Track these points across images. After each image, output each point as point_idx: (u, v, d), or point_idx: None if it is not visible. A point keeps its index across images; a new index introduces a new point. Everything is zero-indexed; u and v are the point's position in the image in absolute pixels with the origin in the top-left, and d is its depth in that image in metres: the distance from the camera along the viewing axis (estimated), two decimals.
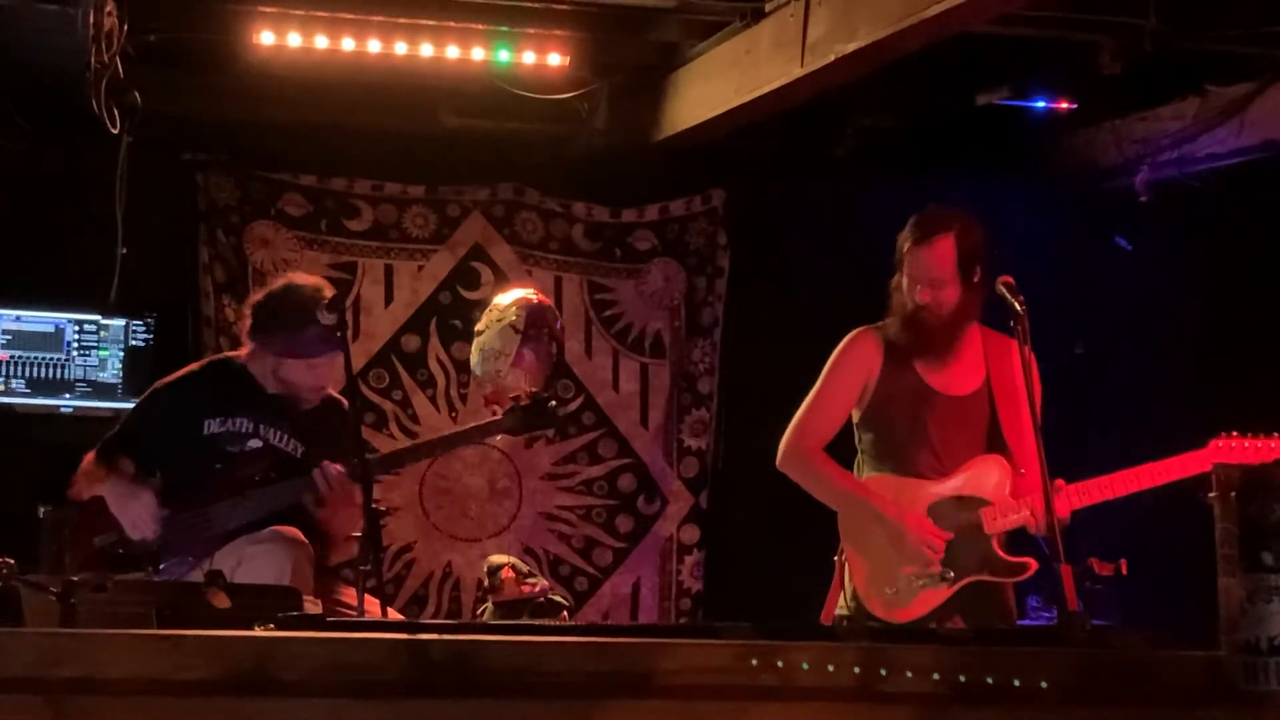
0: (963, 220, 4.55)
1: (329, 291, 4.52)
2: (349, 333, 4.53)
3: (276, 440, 4.60)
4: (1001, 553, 4.52)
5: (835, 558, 4.65)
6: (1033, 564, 4.51)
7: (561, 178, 7.16)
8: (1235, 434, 4.47)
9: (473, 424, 4.76)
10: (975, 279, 4.51)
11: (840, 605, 4.60)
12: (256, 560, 4.24)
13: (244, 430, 4.58)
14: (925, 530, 4.47)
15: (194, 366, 4.85)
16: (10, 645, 2.25)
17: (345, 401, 4.53)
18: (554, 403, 4.65)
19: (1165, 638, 2.78)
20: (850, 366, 4.65)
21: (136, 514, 4.44)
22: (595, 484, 7.14)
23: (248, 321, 4.69)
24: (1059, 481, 4.19)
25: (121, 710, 2.24)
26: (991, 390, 4.59)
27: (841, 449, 4.71)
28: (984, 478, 4.55)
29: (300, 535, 4.36)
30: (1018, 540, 4.57)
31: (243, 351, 4.72)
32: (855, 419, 4.69)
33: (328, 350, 4.51)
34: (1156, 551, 5.40)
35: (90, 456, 4.62)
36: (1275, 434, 4.47)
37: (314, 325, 4.41)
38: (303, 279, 4.71)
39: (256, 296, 4.78)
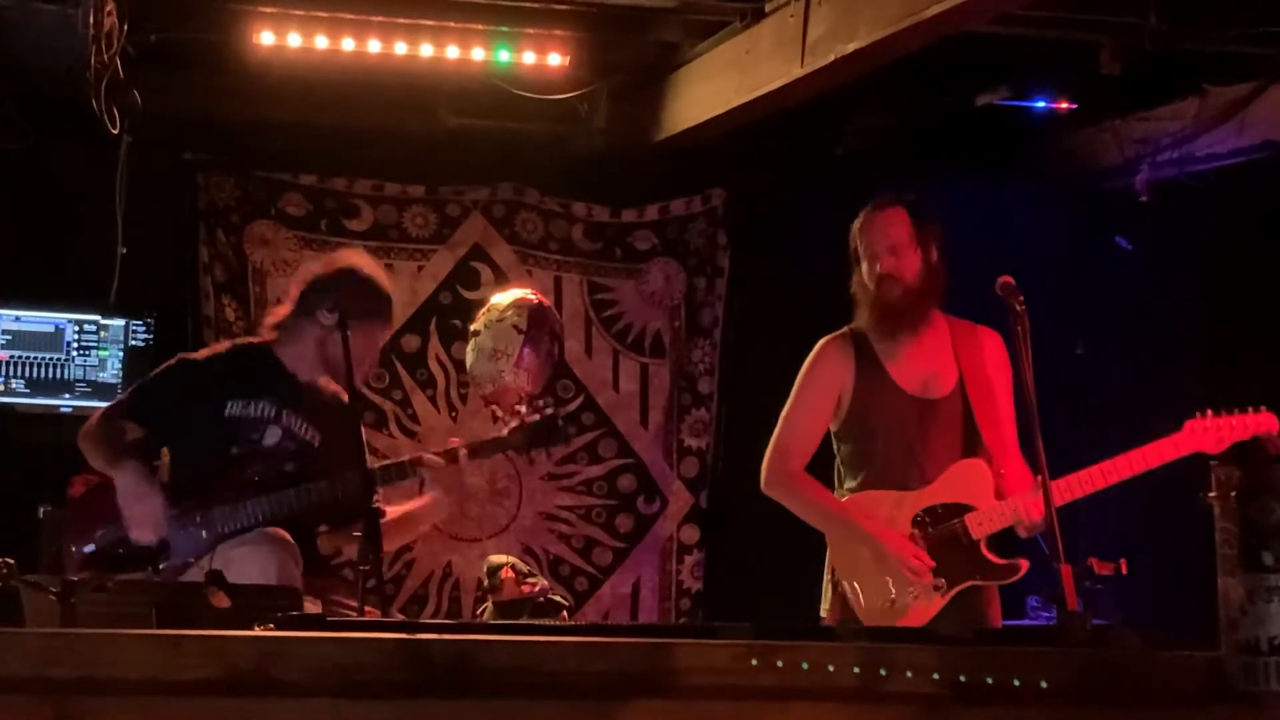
0: (913, 197, 4.58)
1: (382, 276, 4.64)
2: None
3: (297, 428, 4.55)
4: (991, 556, 4.50)
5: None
6: (1024, 564, 4.49)
7: (561, 178, 7.16)
8: (1209, 412, 4.43)
9: (484, 439, 4.71)
10: (934, 257, 4.52)
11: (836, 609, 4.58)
12: (242, 562, 4.19)
13: (266, 415, 4.52)
14: (906, 551, 4.43)
15: (220, 347, 4.79)
16: (10, 645, 2.25)
17: (345, 394, 4.49)
18: (561, 422, 4.63)
19: (1165, 638, 2.78)
20: (822, 378, 4.62)
21: (143, 514, 4.35)
22: (595, 484, 7.14)
23: (301, 289, 4.60)
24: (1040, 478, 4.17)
25: (121, 710, 2.24)
26: (965, 389, 4.56)
27: (822, 458, 4.71)
28: (966, 483, 4.52)
29: (287, 536, 4.31)
30: (1017, 541, 4.56)
31: (268, 338, 4.66)
32: (833, 429, 4.65)
33: (385, 320, 4.63)
34: (1156, 551, 5.40)
35: (96, 416, 4.54)
36: (1249, 408, 4.45)
37: (380, 295, 4.52)
38: (359, 260, 4.71)
39: (314, 269, 4.69)
